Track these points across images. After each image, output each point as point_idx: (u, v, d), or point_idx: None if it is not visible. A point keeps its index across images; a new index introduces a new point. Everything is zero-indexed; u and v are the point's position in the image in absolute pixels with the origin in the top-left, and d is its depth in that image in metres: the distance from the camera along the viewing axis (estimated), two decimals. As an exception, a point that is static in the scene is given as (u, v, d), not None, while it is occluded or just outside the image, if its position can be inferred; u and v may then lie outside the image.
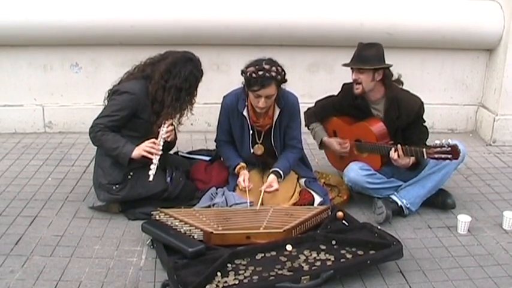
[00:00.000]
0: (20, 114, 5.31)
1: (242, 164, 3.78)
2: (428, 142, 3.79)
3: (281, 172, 3.74)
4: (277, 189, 3.68)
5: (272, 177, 3.71)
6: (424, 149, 3.46)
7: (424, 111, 3.82)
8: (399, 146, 3.58)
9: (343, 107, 3.99)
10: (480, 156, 5.02)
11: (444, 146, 3.38)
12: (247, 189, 3.64)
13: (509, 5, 5.14)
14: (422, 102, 3.80)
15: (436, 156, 3.41)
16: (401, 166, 3.67)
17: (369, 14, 5.13)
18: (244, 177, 3.69)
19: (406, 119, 3.76)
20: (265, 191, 3.65)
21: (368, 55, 3.71)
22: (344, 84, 4.00)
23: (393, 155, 3.59)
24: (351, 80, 3.83)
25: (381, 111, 3.83)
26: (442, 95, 5.52)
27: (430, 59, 5.42)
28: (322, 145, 4.17)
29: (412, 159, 3.65)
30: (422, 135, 3.83)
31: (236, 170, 3.77)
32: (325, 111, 4.12)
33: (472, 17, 5.22)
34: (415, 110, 3.76)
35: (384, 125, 3.79)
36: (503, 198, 4.15)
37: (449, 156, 3.37)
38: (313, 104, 4.21)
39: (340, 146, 4.02)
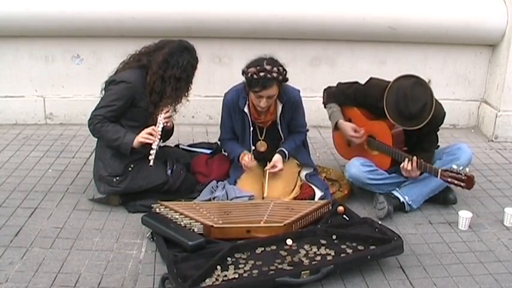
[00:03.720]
0: (21, 105, 5.30)
1: (246, 151, 3.78)
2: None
3: (286, 152, 3.77)
4: (281, 169, 3.70)
5: (277, 156, 3.74)
6: (440, 170, 3.44)
7: (443, 122, 3.73)
8: (415, 158, 3.53)
9: (365, 103, 3.86)
10: (482, 152, 5.00)
11: (460, 174, 3.37)
12: (250, 166, 3.68)
13: (512, 0, 5.12)
14: (445, 113, 3.70)
15: (449, 180, 3.40)
16: (409, 176, 3.63)
17: (372, 8, 5.10)
18: (248, 156, 3.71)
19: (426, 128, 3.57)
20: (269, 172, 3.69)
21: (421, 119, 3.45)
22: (371, 79, 3.86)
23: (406, 165, 3.55)
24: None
25: None
26: (444, 91, 5.48)
27: (432, 54, 5.39)
28: (336, 127, 4.02)
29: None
30: (433, 143, 3.80)
31: (240, 157, 3.76)
32: (347, 99, 3.97)
33: (475, 12, 5.19)
34: (437, 121, 3.66)
35: (403, 131, 3.70)
36: (505, 194, 4.14)
37: (462, 184, 3.37)
38: (316, 96, 4.15)
39: (354, 132, 3.85)
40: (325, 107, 4.12)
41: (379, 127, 3.80)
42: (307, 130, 4.02)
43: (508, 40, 5.12)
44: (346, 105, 4.01)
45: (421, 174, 3.67)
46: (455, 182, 3.39)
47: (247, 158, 3.71)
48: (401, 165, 3.59)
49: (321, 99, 4.15)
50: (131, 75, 3.59)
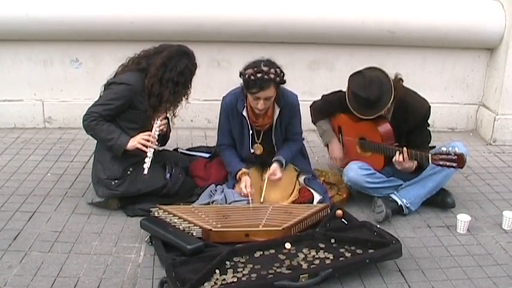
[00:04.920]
0: (20, 109, 5.30)
1: (244, 170, 3.75)
2: (431, 143, 3.81)
3: (283, 161, 3.75)
4: (280, 178, 3.69)
5: (275, 165, 3.72)
6: (430, 155, 3.43)
7: (430, 115, 3.76)
8: (405, 149, 3.54)
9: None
10: (480, 155, 5.01)
11: (450, 154, 3.35)
12: (249, 195, 3.62)
13: (510, 4, 5.13)
14: (429, 106, 3.73)
15: (441, 163, 3.38)
16: (403, 170, 3.62)
17: (371, 12, 5.11)
18: (246, 183, 3.66)
19: (412, 122, 3.70)
20: (268, 178, 3.68)
21: (375, 98, 3.57)
22: None
23: (398, 157, 3.55)
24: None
25: (388, 114, 3.78)
26: (442, 94, 5.51)
27: (431, 58, 5.40)
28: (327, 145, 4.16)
29: (415, 163, 3.61)
30: (425, 138, 3.80)
31: (238, 176, 3.74)
32: (332, 107, 4.04)
33: (474, 16, 5.21)
34: (422, 114, 3.71)
35: (391, 127, 3.75)
36: (503, 197, 4.14)
37: (454, 164, 3.35)
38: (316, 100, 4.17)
39: (339, 155, 4.05)
40: (315, 125, 4.17)
41: (366, 127, 3.83)
42: (303, 139, 4.01)
43: (506, 44, 5.13)
44: (333, 114, 4.08)
45: (416, 170, 3.67)
46: (447, 163, 3.37)
47: (243, 187, 3.64)
48: (393, 159, 3.59)
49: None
50: (131, 77, 3.60)
